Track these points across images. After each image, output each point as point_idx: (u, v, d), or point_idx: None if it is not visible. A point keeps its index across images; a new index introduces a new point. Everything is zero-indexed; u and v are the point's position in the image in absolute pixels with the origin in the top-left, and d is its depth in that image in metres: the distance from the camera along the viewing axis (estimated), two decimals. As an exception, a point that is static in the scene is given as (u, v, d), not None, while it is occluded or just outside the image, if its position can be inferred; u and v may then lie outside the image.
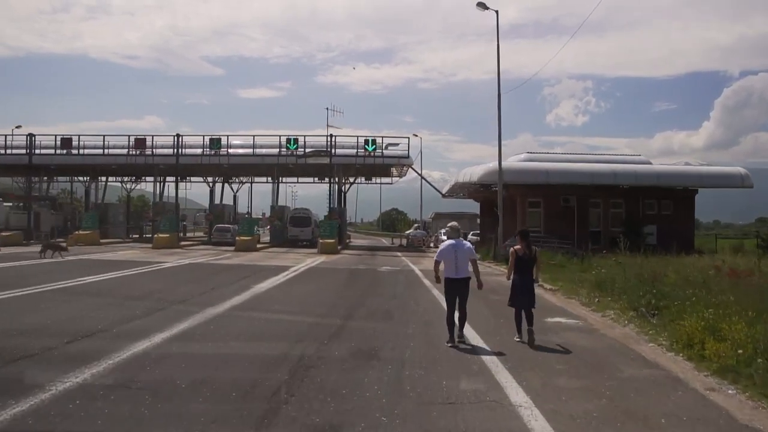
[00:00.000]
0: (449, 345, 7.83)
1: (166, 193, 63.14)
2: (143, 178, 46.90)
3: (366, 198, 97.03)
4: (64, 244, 23.69)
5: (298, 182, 54.91)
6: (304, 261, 24.97)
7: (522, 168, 30.79)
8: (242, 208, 75.33)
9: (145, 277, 16.02)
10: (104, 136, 35.56)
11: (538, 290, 15.55)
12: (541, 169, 30.42)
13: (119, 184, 51.49)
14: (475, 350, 7.62)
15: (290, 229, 41.29)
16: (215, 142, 35.09)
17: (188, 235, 54.42)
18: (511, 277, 8.63)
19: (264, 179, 48.33)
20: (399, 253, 34.85)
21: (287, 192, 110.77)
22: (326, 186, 45.71)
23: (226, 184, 49.92)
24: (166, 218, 33.90)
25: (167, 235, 32.37)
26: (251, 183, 54.86)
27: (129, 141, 35.61)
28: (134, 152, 35.62)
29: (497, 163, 29.51)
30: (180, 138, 34.88)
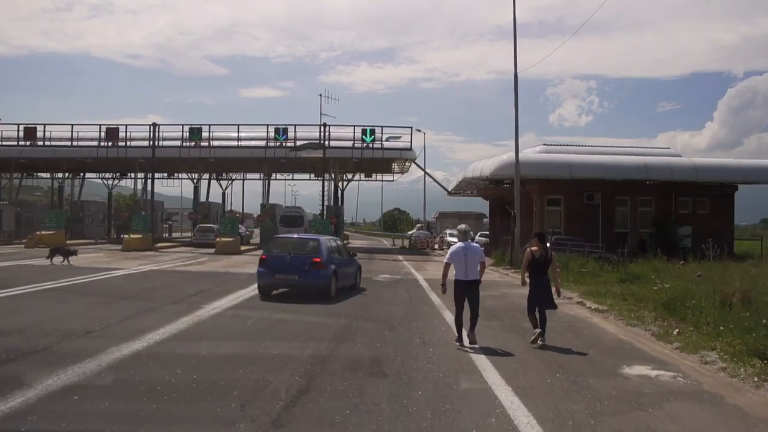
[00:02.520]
0: (457, 344, 7.76)
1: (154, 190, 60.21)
2: (129, 174, 43.38)
3: (368, 198, 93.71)
4: (74, 249, 20.42)
5: (293, 179, 51.40)
6: (289, 267, 21.33)
7: (541, 160, 27.06)
8: (236, 207, 72.00)
9: (61, 294, 12.32)
10: (72, 125, 31.93)
11: (583, 310, 11.98)
12: (564, 161, 26.69)
13: (104, 181, 48.18)
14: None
15: (280, 229, 37.61)
16: (195, 132, 31.44)
17: (174, 235, 50.92)
18: (526, 280, 8.31)
19: (257, 176, 44.95)
20: (400, 257, 31.19)
21: (286, 191, 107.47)
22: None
23: (214, 181, 46.39)
24: (139, 217, 30.28)
25: (139, 236, 28.74)
26: (243, 180, 51.43)
27: (100, 132, 31.91)
28: (106, 144, 31.95)
29: (512, 154, 25.90)
30: (157, 128, 31.25)
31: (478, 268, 7.89)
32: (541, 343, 7.88)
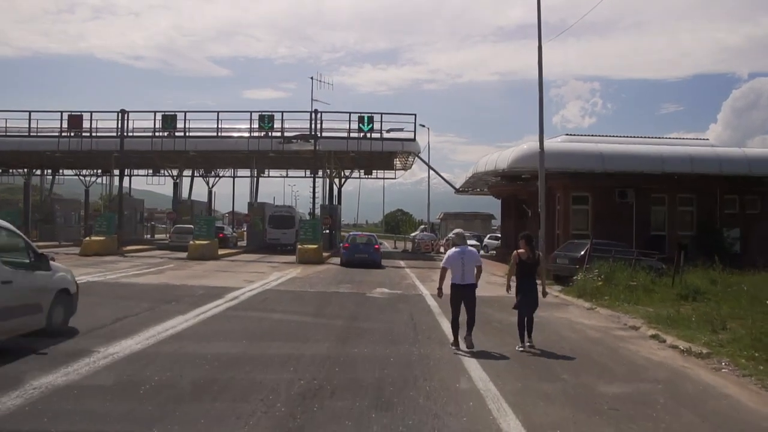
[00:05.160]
0: (453, 349, 7.72)
1: (139, 188, 56.42)
2: (109, 170, 39.53)
3: (371, 200, 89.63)
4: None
5: (287, 176, 47.50)
6: (266, 277, 17.54)
7: (568, 150, 23.14)
8: (226, 207, 68.23)
9: None
10: (30, 112, 28.05)
11: (669, 352, 8.22)
12: (595, 151, 22.79)
13: (80, 178, 44.48)
14: None
15: (269, 231, 34.02)
16: (168, 120, 27.58)
17: (159, 236, 47.09)
18: (512, 286, 8.42)
19: (247, 173, 41.15)
20: (402, 263, 27.34)
21: (285, 191, 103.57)
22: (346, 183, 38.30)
23: (202, 179, 42.66)
24: (102, 216, 26.52)
25: (101, 239, 24.90)
26: (233, 177, 47.63)
27: (62, 121, 27.98)
28: (68, 134, 28.14)
29: (533, 143, 22.12)
30: (126, 115, 27.41)
31: (474, 272, 7.98)
32: (528, 345, 7.94)
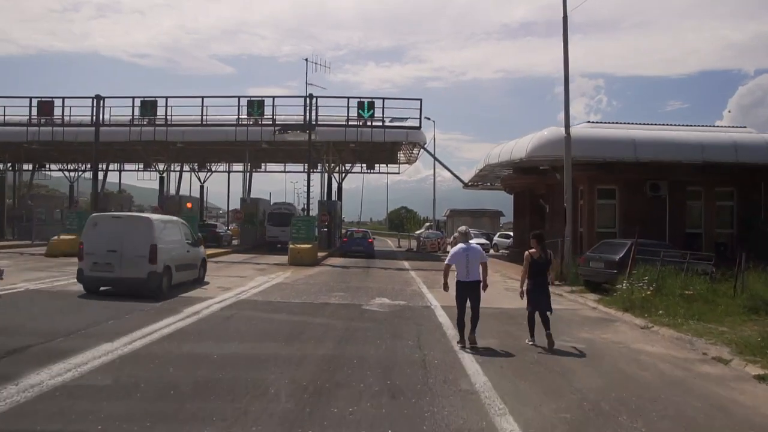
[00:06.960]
0: (459, 346, 7.63)
1: (137, 184, 53.98)
2: (102, 165, 37.02)
3: (376, 198, 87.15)
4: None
5: (285, 170, 44.90)
6: (246, 283, 14.98)
7: (595, 137, 20.42)
8: (221, 203, 65.75)
9: None
10: (-3, 99, 25.46)
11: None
12: (626, 138, 20.04)
13: (65, 174, 42.01)
14: None
15: (268, 228, 31.81)
16: (147, 107, 24.93)
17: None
18: (524, 291, 8.27)
19: (242, 167, 38.54)
20: (406, 264, 24.69)
21: (287, 187, 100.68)
22: (348, 180, 35.79)
23: (187, 173, 40.15)
24: (75, 213, 24.00)
25: (72, 237, 22.16)
26: (228, 172, 45.04)
27: (31, 107, 25.29)
28: (38, 121, 25.57)
29: (555, 129, 19.59)
30: (102, 101, 24.79)
31: (479, 269, 7.87)
32: (549, 339, 7.75)
